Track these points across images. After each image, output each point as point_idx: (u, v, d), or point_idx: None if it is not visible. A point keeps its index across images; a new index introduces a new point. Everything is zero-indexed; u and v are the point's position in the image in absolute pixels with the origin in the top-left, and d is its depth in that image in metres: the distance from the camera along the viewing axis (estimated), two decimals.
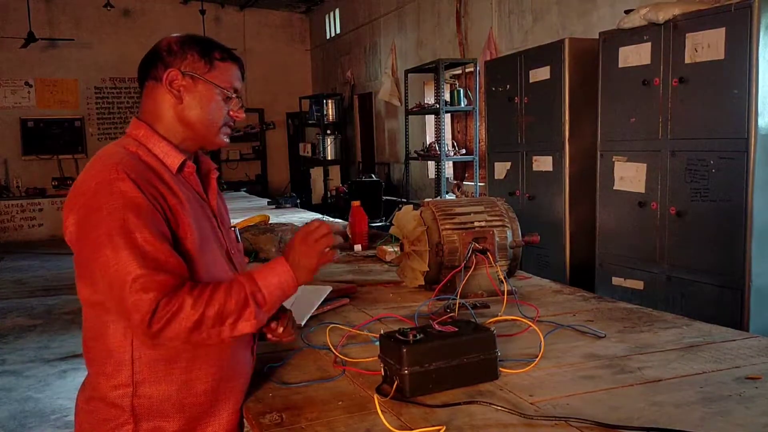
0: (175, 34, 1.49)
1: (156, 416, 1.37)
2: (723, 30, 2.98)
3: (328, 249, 1.41)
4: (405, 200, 7.65)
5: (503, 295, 2.05)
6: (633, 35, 3.46)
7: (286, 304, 1.92)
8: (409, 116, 7.74)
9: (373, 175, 9.40)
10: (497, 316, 1.95)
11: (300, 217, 4.86)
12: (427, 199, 2.48)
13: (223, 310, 1.30)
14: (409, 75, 7.68)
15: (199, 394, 1.39)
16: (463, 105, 6.95)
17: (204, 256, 1.40)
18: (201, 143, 1.49)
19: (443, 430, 1.24)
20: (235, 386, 1.44)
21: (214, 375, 1.41)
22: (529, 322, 1.80)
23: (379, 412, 1.29)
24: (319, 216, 4.75)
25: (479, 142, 6.87)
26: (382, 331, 1.51)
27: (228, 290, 1.32)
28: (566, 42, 4.05)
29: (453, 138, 7.78)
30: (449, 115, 7.51)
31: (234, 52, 1.52)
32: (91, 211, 1.30)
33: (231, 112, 1.49)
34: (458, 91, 6.95)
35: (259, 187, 12.15)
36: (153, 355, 1.36)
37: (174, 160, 1.43)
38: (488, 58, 6.05)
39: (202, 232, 1.41)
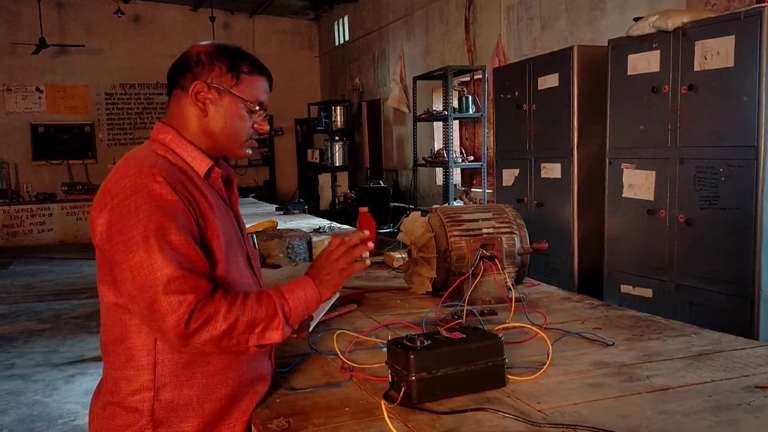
0: (205, 43, 1.49)
1: (175, 421, 1.37)
2: (732, 38, 2.97)
3: (347, 265, 1.46)
4: (413, 207, 7.65)
5: (511, 302, 2.05)
6: (642, 43, 3.45)
7: None
8: (417, 123, 7.75)
9: (380, 182, 9.40)
10: (505, 323, 1.94)
11: (308, 222, 4.86)
12: (435, 206, 2.48)
13: (255, 318, 1.32)
14: (417, 82, 7.70)
15: (220, 399, 1.40)
16: (471, 112, 6.96)
17: (229, 260, 1.41)
18: (224, 154, 1.51)
19: None
20: (252, 389, 1.45)
21: (235, 379, 1.41)
22: (536, 330, 1.79)
23: (386, 418, 1.29)
24: (328, 224, 4.75)
25: (487, 149, 6.87)
26: (389, 338, 1.51)
27: (258, 300, 1.35)
28: (575, 49, 4.05)
29: (461, 145, 7.79)
30: (457, 121, 7.52)
31: (262, 64, 1.51)
32: (125, 212, 1.30)
33: (255, 125, 1.50)
34: (466, 98, 6.95)
35: (267, 192, 12.18)
36: (176, 360, 1.36)
37: (202, 164, 1.45)
38: (497, 65, 6.05)
39: (228, 237, 1.43)
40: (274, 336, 1.35)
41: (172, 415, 1.36)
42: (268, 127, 1.54)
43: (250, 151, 1.53)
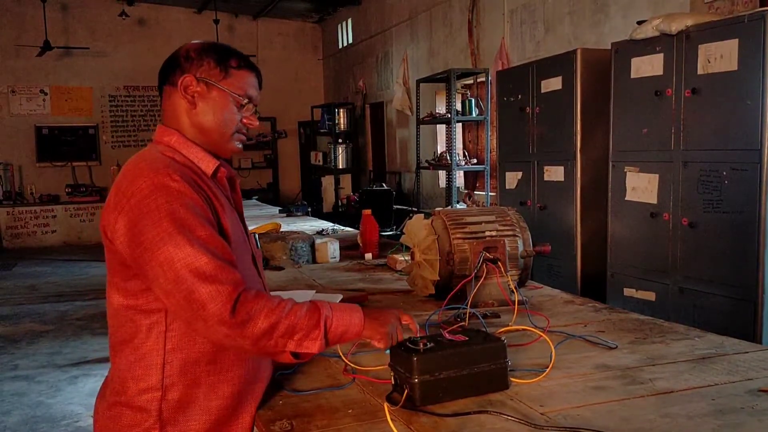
0: (195, 41, 1.51)
1: (182, 420, 1.37)
2: (736, 41, 2.97)
3: (393, 332, 1.47)
4: (416, 209, 7.65)
5: (514, 304, 2.05)
6: (645, 46, 3.45)
7: None
8: (421, 125, 7.75)
9: (384, 184, 9.41)
10: (508, 325, 1.95)
11: (311, 225, 4.87)
12: (438, 209, 2.48)
13: (297, 323, 1.32)
14: (420, 84, 7.70)
15: (226, 397, 1.40)
16: (474, 115, 6.96)
17: (240, 259, 1.42)
18: (214, 149, 1.50)
19: None
20: (255, 388, 1.46)
21: (240, 377, 1.42)
22: (539, 332, 1.79)
23: (389, 420, 1.30)
24: (331, 226, 4.76)
25: (490, 152, 6.86)
26: None
27: (303, 308, 1.35)
28: (578, 52, 4.05)
29: (464, 147, 7.78)
30: (460, 124, 7.52)
31: (252, 60, 1.53)
32: (146, 212, 1.29)
33: (244, 120, 1.51)
34: (470, 101, 6.96)
35: (270, 195, 12.20)
36: (184, 359, 1.37)
37: (208, 164, 1.46)
38: (500, 68, 6.05)
39: (235, 236, 1.44)
40: (311, 347, 1.34)
41: (179, 414, 1.37)
42: (257, 122, 1.54)
43: (239, 146, 1.52)
